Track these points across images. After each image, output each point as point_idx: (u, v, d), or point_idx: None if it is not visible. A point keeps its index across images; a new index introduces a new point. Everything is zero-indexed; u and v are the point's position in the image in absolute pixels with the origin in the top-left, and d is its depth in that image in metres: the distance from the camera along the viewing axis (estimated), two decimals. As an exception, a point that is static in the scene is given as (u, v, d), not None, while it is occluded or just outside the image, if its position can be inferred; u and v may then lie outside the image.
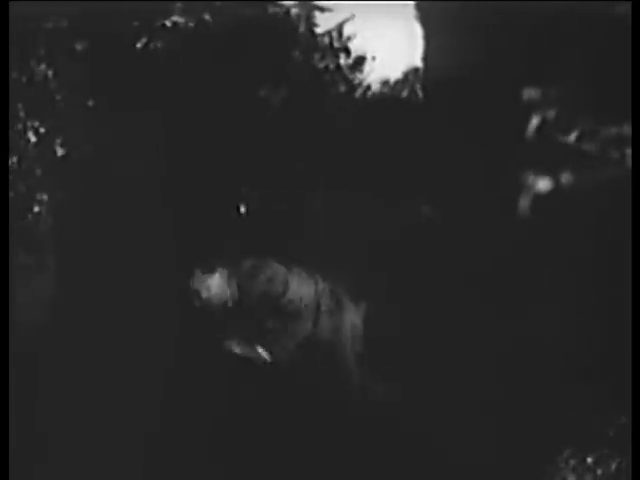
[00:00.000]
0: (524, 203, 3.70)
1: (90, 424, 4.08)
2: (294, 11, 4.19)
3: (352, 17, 4.18)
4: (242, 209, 4.25)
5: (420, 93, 4.20)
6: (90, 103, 4.26)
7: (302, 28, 4.17)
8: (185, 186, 4.18)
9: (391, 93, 4.24)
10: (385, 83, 4.25)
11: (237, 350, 4.04)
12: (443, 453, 3.89)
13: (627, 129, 3.76)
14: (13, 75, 4.16)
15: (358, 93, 4.25)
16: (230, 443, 3.98)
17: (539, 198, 3.74)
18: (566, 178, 3.76)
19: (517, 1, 3.85)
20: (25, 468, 3.98)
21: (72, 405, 4.12)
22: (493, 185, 3.82)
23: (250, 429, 3.96)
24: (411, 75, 4.23)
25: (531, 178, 3.69)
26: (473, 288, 3.86)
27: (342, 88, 4.25)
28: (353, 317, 4.02)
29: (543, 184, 3.72)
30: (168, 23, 4.20)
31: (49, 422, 4.07)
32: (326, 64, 4.19)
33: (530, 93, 3.84)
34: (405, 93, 4.22)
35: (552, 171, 3.72)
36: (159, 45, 4.17)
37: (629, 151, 3.74)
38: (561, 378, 3.96)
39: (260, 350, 4.01)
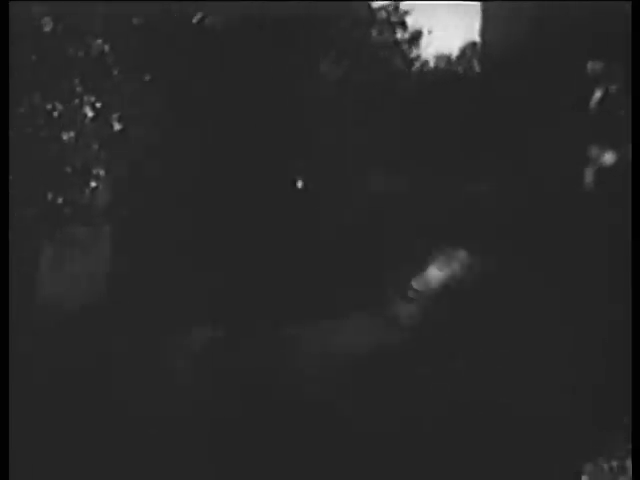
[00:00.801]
0: (589, 176, 3.66)
1: (142, 400, 4.09)
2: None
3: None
4: (299, 184, 4.24)
5: (477, 68, 4.16)
6: (147, 77, 4.26)
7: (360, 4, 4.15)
8: (243, 160, 4.17)
9: (448, 68, 4.20)
10: (442, 57, 4.22)
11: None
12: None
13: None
14: (69, 51, 4.16)
15: (415, 67, 4.22)
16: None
17: (603, 171, 3.69)
18: (628, 151, 3.71)
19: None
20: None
21: (127, 376, 4.13)
22: (555, 159, 3.78)
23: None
24: (469, 50, 4.19)
25: (595, 151, 3.65)
26: (534, 263, 3.84)
27: (399, 63, 4.22)
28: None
29: (608, 157, 3.68)
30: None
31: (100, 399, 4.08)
32: (384, 39, 4.16)
33: (593, 66, 3.79)
34: (462, 68, 4.19)
35: (615, 145, 3.68)
36: (216, 19, 4.16)
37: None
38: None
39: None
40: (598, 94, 3.74)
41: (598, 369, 3.96)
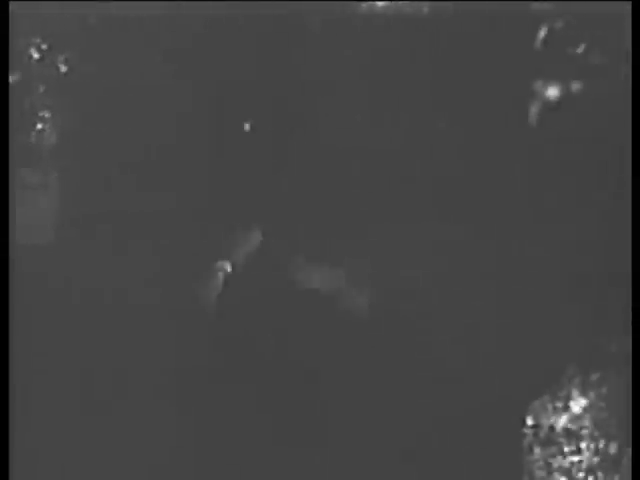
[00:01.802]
0: (534, 111, 3.67)
1: (93, 350, 4.08)
2: None
3: None
4: (247, 127, 4.22)
5: (426, 9, 4.14)
6: (92, 20, 4.23)
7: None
8: (194, 101, 4.15)
9: (396, 9, 4.18)
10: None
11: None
12: (442, 362, 3.89)
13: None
14: (13, -6, 4.11)
15: (364, 9, 4.20)
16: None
17: (548, 106, 3.71)
18: (575, 88, 3.73)
19: None
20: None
21: (76, 326, 4.12)
22: (503, 94, 3.79)
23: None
24: (417, -9, 4.17)
25: (540, 85, 3.66)
26: (479, 200, 3.85)
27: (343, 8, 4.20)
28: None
29: (552, 92, 3.69)
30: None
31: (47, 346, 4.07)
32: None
33: (539, 5, 3.79)
34: (411, 9, 4.17)
35: (561, 80, 3.69)
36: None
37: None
38: (563, 297, 3.94)
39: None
40: (543, 32, 3.73)
41: (543, 317, 3.98)
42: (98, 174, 4.21)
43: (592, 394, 3.93)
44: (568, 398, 3.94)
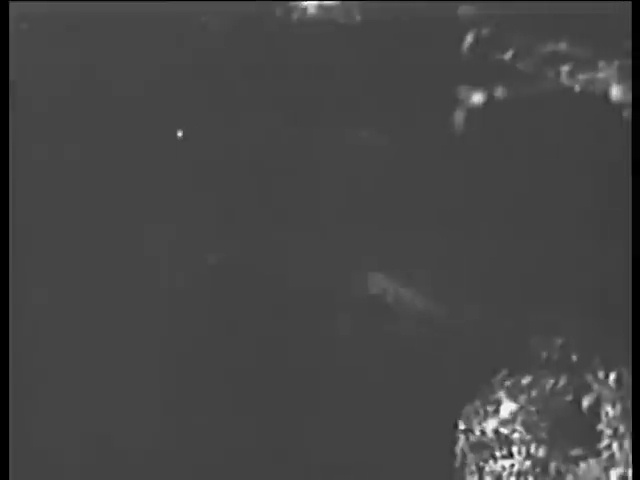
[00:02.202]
0: (459, 117, 3.69)
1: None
2: None
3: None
4: (179, 134, 4.22)
5: (358, 16, 4.16)
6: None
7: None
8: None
9: (328, 16, 4.20)
10: (322, 7, 4.21)
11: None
12: (374, 367, 3.90)
13: (562, 46, 3.74)
14: None
15: (295, 17, 4.21)
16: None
17: (473, 112, 3.73)
18: (501, 93, 3.75)
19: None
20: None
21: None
22: (430, 101, 3.81)
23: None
24: (349, -2, 4.19)
25: (464, 92, 3.68)
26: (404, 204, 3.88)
27: (278, 12, 4.21)
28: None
29: (477, 98, 3.71)
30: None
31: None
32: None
33: (465, 10, 3.82)
34: (343, 16, 4.19)
35: (486, 87, 3.71)
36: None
37: (565, 68, 3.73)
38: (492, 302, 3.97)
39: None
40: (470, 38, 3.76)
41: (474, 322, 4.00)
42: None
43: (522, 398, 3.95)
44: (499, 402, 3.95)
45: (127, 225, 4.10)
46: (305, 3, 4.23)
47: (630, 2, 3.59)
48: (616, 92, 3.60)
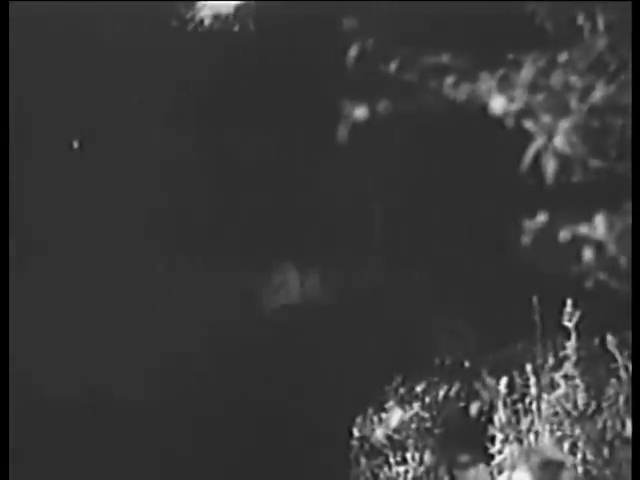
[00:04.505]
0: (343, 132, 3.70)
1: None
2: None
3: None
4: (75, 144, 4.24)
5: (252, 27, 4.18)
6: None
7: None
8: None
9: (223, 27, 4.22)
10: (217, 17, 4.23)
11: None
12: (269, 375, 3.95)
13: (445, 58, 3.75)
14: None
15: (190, 27, 4.22)
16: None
17: (357, 126, 3.75)
18: (384, 106, 3.77)
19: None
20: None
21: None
22: (314, 114, 3.83)
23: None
24: (243, 9, 4.21)
25: (348, 107, 3.69)
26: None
27: (174, 23, 4.22)
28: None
29: (360, 112, 3.72)
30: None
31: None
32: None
33: (350, 23, 3.82)
34: (237, 27, 4.21)
35: (370, 100, 3.73)
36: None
37: (449, 80, 3.74)
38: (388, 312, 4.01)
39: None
40: (354, 51, 3.77)
41: (368, 331, 4.05)
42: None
43: (416, 405, 3.99)
44: (393, 409, 4.00)
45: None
46: (202, 14, 4.25)
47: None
48: (496, 103, 3.62)
